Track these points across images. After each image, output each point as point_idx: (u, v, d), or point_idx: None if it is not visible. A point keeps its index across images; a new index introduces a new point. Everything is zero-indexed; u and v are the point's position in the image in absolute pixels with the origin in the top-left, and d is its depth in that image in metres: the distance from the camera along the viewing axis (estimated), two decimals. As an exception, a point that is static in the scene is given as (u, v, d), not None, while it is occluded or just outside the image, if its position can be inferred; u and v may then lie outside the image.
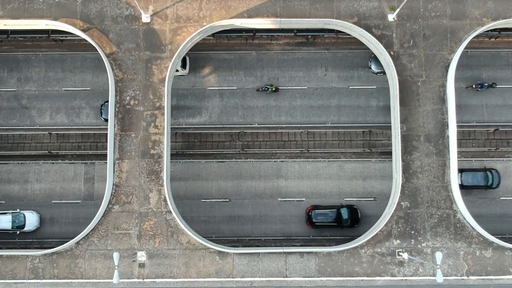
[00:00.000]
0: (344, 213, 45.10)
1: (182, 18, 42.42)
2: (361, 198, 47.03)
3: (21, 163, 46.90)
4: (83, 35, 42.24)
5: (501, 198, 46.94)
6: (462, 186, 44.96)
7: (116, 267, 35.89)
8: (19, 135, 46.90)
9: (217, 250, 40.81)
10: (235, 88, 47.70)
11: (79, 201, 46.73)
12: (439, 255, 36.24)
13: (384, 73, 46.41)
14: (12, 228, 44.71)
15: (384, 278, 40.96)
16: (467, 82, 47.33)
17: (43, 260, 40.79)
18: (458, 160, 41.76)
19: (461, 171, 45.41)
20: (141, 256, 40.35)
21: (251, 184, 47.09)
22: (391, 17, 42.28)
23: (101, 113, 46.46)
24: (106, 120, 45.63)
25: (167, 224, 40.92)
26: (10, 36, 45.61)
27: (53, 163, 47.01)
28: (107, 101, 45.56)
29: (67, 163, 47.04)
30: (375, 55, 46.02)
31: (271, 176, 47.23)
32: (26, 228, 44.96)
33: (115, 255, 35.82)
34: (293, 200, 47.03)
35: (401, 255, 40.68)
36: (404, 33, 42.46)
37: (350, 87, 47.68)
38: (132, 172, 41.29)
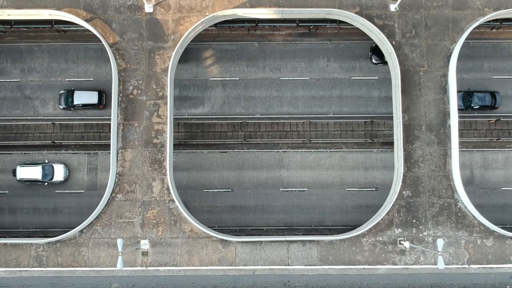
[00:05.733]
0: None
1: (184, 8, 42.61)
2: (362, 188, 47.26)
3: (24, 153, 47.18)
4: (86, 25, 42.46)
5: (502, 188, 47.15)
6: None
7: (120, 253, 36.16)
8: (22, 125, 47.15)
9: (219, 238, 41.07)
10: (238, 78, 47.89)
11: (82, 191, 47.02)
12: (440, 242, 36.48)
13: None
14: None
15: (386, 266, 41.21)
16: (469, 73, 47.63)
17: (47, 249, 41.09)
18: (459, 150, 41.95)
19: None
20: (144, 244, 40.60)
21: (253, 174, 47.34)
22: (393, 7, 42.43)
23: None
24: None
25: (170, 212, 41.18)
26: (13, 27, 45.78)
27: (56, 153, 47.27)
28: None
29: (70, 153, 47.30)
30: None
31: (273, 166, 47.46)
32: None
33: (119, 241, 36.08)
34: (295, 190, 47.26)
35: (403, 244, 40.90)
36: (406, 23, 42.62)
37: (352, 78, 47.86)
38: (135, 161, 41.54)
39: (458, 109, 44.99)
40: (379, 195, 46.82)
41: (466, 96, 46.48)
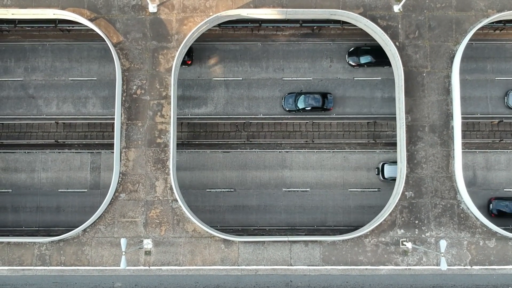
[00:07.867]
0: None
1: (188, 8, 42.67)
2: (365, 188, 47.30)
3: (28, 152, 47.29)
4: (91, 25, 42.55)
5: (504, 189, 47.17)
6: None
7: (123, 253, 36.23)
8: (26, 124, 47.24)
9: (222, 238, 41.15)
10: (241, 79, 47.96)
11: (85, 190, 47.10)
12: (443, 243, 36.50)
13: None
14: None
15: (388, 267, 41.27)
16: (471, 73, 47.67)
17: (50, 247, 41.19)
18: (462, 152, 41.98)
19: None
20: (147, 243, 40.69)
21: (256, 174, 47.40)
22: (396, 8, 42.47)
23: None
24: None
25: (173, 212, 41.26)
26: (17, 26, 45.90)
27: (59, 152, 47.38)
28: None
29: (73, 152, 47.40)
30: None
31: (276, 166, 47.51)
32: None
33: (123, 241, 36.14)
34: (297, 191, 47.32)
35: (405, 245, 40.96)
36: (409, 24, 42.66)
37: (355, 78, 47.91)
38: (139, 161, 41.62)
39: (289, 110, 46.42)
40: (382, 195, 46.85)
41: (297, 97, 46.52)
